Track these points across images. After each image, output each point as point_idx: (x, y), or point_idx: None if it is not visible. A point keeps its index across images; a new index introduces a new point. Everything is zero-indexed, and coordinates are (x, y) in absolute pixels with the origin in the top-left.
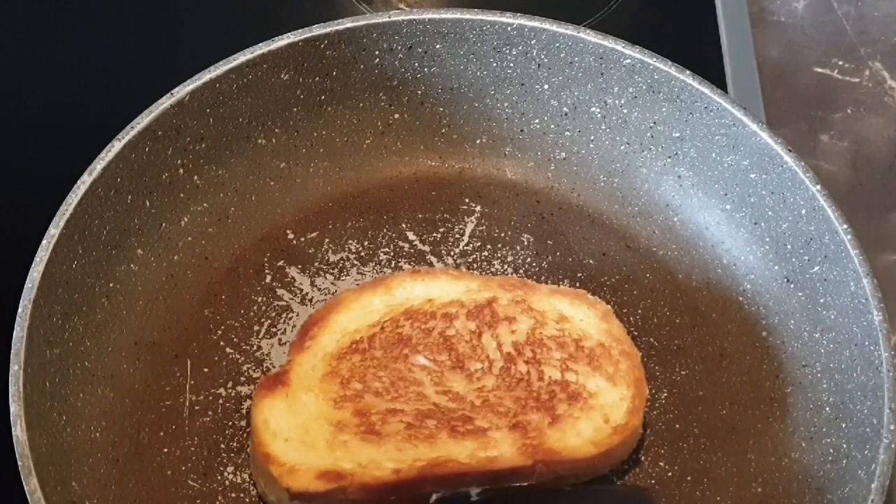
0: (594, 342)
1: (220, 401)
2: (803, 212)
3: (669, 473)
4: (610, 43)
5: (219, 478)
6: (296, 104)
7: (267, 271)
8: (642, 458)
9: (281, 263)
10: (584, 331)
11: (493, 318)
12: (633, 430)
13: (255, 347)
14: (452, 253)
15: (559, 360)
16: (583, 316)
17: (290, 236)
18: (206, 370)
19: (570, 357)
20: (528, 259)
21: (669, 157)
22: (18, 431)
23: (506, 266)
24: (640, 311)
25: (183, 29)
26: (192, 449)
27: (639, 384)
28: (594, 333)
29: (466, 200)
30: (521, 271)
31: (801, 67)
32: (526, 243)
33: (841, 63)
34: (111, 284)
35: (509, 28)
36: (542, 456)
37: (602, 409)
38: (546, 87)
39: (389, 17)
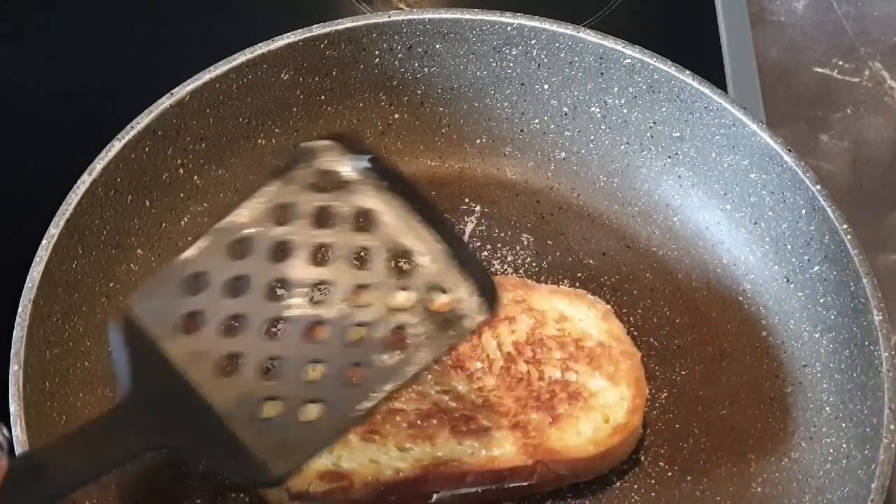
0: (594, 342)
1: None
2: (803, 212)
3: (669, 473)
4: (610, 43)
5: (219, 478)
6: (296, 104)
7: None
8: (642, 458)
9: None
10: (585, 330)
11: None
12: (633, 430)
13: None
14: None
15: (559, 359)
16: (583, 316)
17: None
18: None
19: (570, 357)
20: (528, 259)
21: (669, 156)
22: (18, 431)
23: (506, 266)
24: (639, 311)
25: (183, 29)
26: None
27: (639, 384)
28: (594, 333)
29: (466, 200)
30: (521, 271)
31: (801, 67)
32: (526, 243)
33: (841, 63)
34: (111, 284)
35: (509, 28)
36: (542, 455)
37: (602, 408)
38: (546, 86)
39: (389, 17)
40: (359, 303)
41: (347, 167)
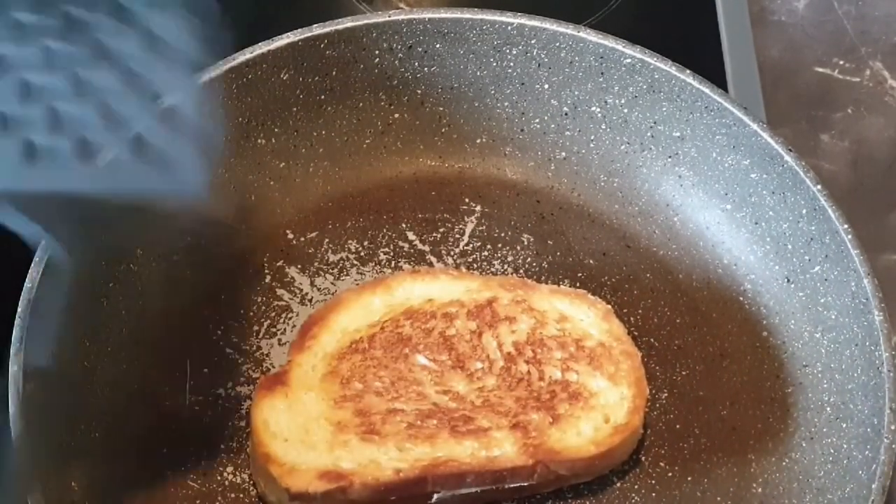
0: (595, 342)
1: (220, 401)
2: (804, 212)
3: (670, 474)
4: (610, 42)
5: (218, 478)
6: (296, 104)
7: (266, 271)
8: (643, 459)
9: (280, 263)
10: (585, 330)
11: (493, 318)
12: (634, 430)
13: (254, 347)
14: (452, 253)
15: (560, 359)
16: (583, 316)
17: (290, 236)
18: (205, 370)
19: (570, 357)
20: (528, 259)
21: (670, 156)
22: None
23: (506, 266)
24: (640, 311)
25: None
26: (192, 449)
27: (639, 384)
28: (595, 333)
29: (466, 200)
30: (522, 271)
31: (802, 67)
32: (526, 243)
33: (841, 63)
34: (111, 284)
35: (509, 27)
36: (542, 456)
37: (603, 408)
38: (546, 86)
39: (389, 17)
40: None
41: None
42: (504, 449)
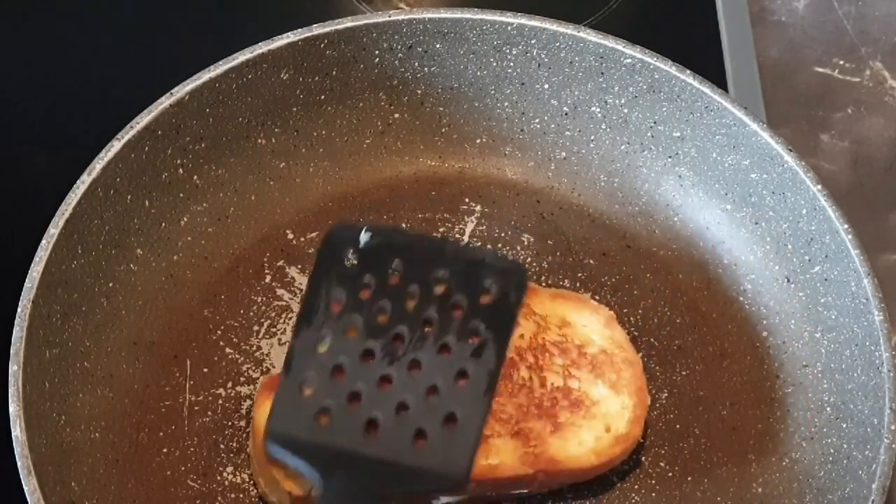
0: (597, 349)
1: (220, 401)
2: (804, 212)
3: (670, 474)
4: (610, 42)
5: (218, 478)
6: (295, 104)
7: (267, 271)
8: (643, 459)
9: (281, 263)
10: (587, 336)
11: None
12: (634, 440)
13: (254, 347)
14: None
15: (561, 366)
16: (585, 321)
17: (290, 236)
18: (205, 370)
19: (572, 363)
20: (528, 259)
21: (670, 156)
22: (18, 431)
23: None
24: (640, 312)
25: (183, 29)
26: (192, 449)
27: (640, 393)
28: (597, 339)
29: (466, 200)
30: None
31: (802, 67)
32: (526, 243)
33: (841, 63)
34: (110, 284)
35: (509, 27)
36: (543, 465)
37: (604, 417)
38: (546, 86)
39: (389, 17)
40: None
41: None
42: (504, 457)
